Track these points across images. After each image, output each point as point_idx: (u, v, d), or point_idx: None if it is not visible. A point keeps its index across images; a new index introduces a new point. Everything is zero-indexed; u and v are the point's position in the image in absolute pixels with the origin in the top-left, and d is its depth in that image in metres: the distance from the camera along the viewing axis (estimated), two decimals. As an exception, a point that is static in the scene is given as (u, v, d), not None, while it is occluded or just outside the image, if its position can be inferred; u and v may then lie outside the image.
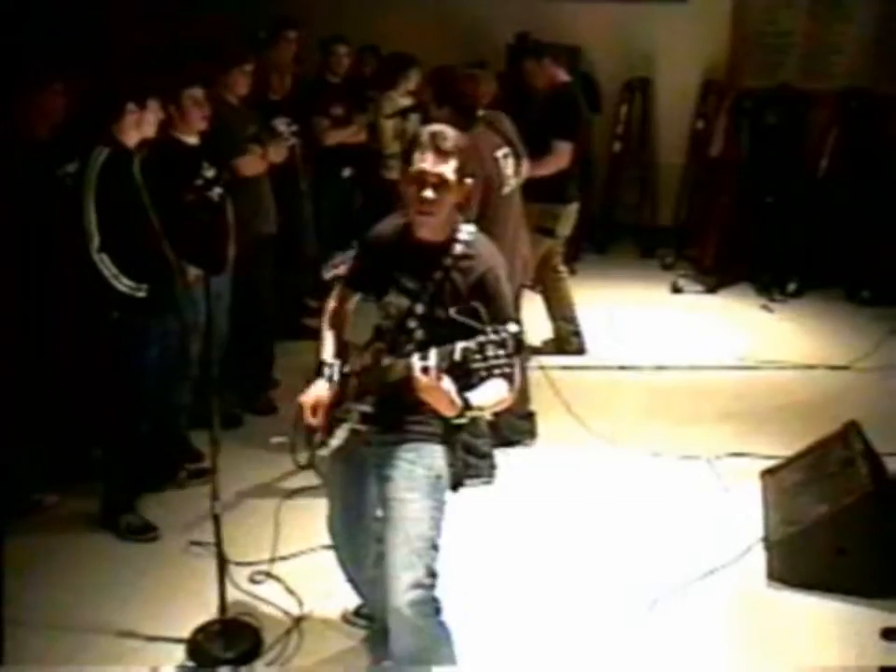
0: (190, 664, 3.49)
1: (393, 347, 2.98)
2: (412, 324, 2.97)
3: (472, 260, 2.96)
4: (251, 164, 5.17)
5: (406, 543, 2.96)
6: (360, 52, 7.28)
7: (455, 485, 3.06)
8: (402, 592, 2.94)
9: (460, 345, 2.65)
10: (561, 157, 5.75)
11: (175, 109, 4.43)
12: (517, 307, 4.55)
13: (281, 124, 5.74)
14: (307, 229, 6.38)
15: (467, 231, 3.02)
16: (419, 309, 2.97)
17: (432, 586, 2.99)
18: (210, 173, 4.49)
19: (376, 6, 8.43)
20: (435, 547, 3.00)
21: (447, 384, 2.72)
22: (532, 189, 5.80)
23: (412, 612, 2.95)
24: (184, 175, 4.35)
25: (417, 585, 2.95)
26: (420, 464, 2.99)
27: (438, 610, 3.03)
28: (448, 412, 2.77)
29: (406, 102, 6.82)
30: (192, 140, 4.56)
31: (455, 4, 8.63)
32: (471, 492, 4.41)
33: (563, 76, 5.95)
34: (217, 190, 4.35)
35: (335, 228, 6.67)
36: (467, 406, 2.76)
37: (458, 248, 2.97)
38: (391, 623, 3.05)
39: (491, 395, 2.83)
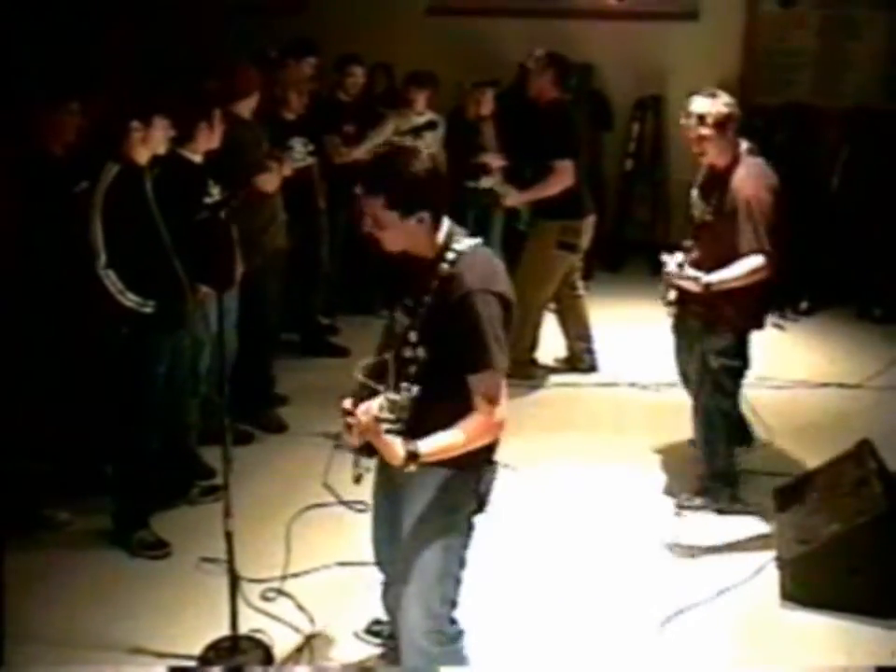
0: (202, 680, 3.49)
1: (397, 378, 2.81)
2: (408, 352, 2.82)
3: (453, 282, 2.73)
4: (270, 182, 5.20)
5: (416, 572, 2.93)
6: (372, 70, 7.31)
7: (480, 508, 2.97)
8: (414, 621, 2.94)
9: (384, 396, 2.59)
10: (564, 175, 5.73)
11: (206, 125, 4.48)
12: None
13: (297, 143, 5.77)
14: (323, 246, 6.40)
15: (457, 248, 2.79)
16: (413, 336, 2.81)
17: (445, 615, 2.97)
18: (216, 191, 4.51)
19: (389, 24, 8.46)
20: (448, 575, 2.95)
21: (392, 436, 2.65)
22: (550, 207, 5.84)
23: (424, 641, 2.94)
24: (193, 192, 4.38)
25: (429, 615, 2.94)
26: (433, 491, 2.89)
27: (454, 638, 3.01)
28: (391, 461, 2.69)
29: (421, 120, 6.85)
30: (197, 158, 4.57)
31: (467, 22, 8.66)
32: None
33: (553, 92, 5.88)
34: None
35: (349, 245, 6.70)
36: (413, 456, 2.66)
37: (445, 268, 2.76)
38: (403, 647, 3.04)
39: (444, 441, 2.72)
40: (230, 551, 3.52)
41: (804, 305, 7.75)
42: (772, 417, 5.71)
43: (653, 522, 4.59)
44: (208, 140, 4.56)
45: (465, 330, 2.69)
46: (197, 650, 3.56)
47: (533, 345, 6.27)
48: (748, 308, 4.40)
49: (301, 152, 5.79)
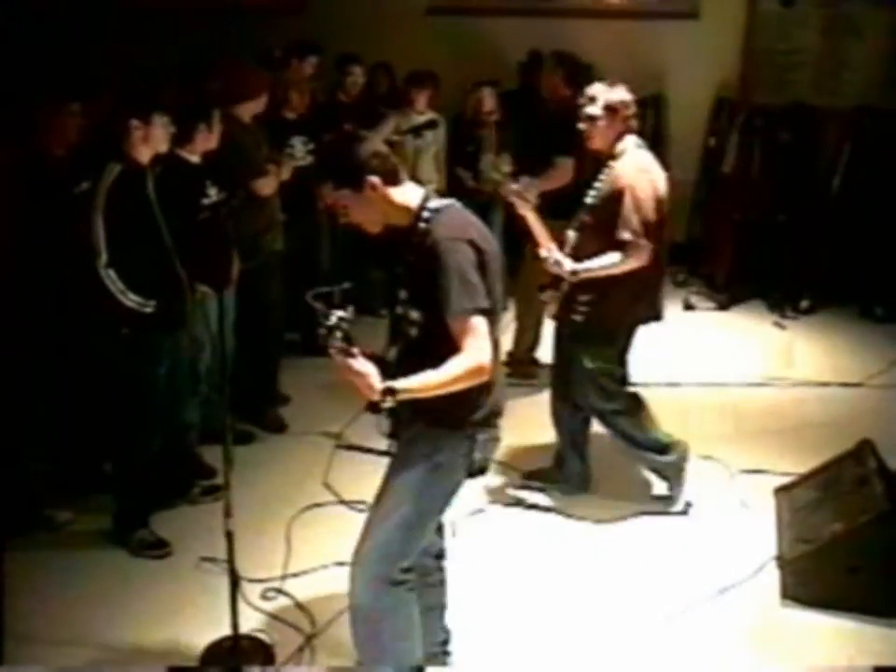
0: (203, 680, 3.49)
1: (394, 336, 2.98)
2: (400, 310, 2.96)
3: (427, 236, 2.88)
4: (269, 185, 5.20)
5: (382, 513, 2.98)
6: (372, 70, 7.31)
7: (480, 471, 3.01)
8: (364, 561, 2.97)
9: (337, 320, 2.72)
10: (563, 172, 5.71)
11: (205, 127, 4.48)
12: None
13: (298, 142, 5.76)
14: (323, 246, 6.38)
15: (431, 207, 2.94)
16: (403, 294, 2.95)
17: (395, 564, 2.96)
18: (214, 191, 4.51)
19: (389, 24, 8.46)
20: (412, 527, 2.97)
21: (362, 366, 2.74)
22: (559, 207, 5.84)
23: (367, 582, 2.96)
24: (191, 193, 4.38)
25: (381, 558, 2.95)
26: (423, 448, 2.95)
27: (397, 583, 2.98)
28: (368, 395, 2.75)
29: (421, 119, 6.84)
30: (195, 159, 4.57)
31: (467, 22, 8.65)
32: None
33: (565, 90, 5.92)
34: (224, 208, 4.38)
35: (351, 244, 6.68)
36: (390, 391, 2.74)
37: (421, 227, 2.90)
38: (349, 585, 3.03)
39: (421, 379, 2.77)
40: (230, 550, 3.52)
41: (805, 304, 7.76)
42: (772, 416, 5.73)
43: (653, 521, 4.59)
44: (206, 141, 4.56)
45: (435, 277, 2.80)
46: (198, 649, 3.57)
47: (534, 345, 6.27)
48: (621, 304, 4.36)
49: (301, 151, 5.78)
